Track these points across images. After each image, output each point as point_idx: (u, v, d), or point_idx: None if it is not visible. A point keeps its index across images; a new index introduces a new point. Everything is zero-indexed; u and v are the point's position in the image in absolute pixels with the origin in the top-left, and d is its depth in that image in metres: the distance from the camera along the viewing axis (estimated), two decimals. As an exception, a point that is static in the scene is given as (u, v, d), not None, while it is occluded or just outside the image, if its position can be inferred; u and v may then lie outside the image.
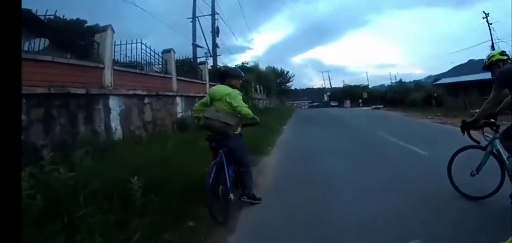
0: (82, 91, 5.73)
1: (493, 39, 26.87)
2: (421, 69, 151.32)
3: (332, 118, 21.47)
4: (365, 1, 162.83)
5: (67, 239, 2.56)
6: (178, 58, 11.69)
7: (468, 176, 3.56)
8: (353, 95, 58.03)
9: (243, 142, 3.95)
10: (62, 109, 5.29)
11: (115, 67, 7.06)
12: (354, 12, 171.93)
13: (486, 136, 3.49)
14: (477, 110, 3.59)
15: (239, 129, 3.88)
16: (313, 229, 3.19)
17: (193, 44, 21.08)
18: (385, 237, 2.92)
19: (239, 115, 3.69)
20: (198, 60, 17.48)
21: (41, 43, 5.62)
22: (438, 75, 42.61)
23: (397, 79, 56.35)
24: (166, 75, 9.91)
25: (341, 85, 71.66)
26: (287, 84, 55.29)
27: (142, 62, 8.79)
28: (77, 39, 6.79)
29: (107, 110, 6.50)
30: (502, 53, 3.47)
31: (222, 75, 4.18)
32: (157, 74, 9.51)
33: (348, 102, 55.84)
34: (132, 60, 8.46)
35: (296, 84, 70.40)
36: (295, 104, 61.99)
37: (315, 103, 66.30)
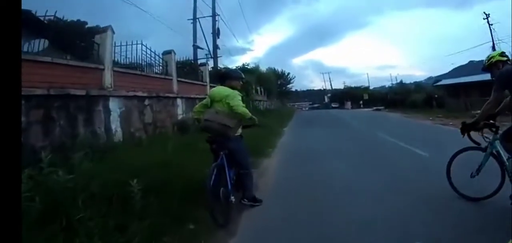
0: (82, 92, 5.71)
1: (493, 40, 26.85)
2: (421, 70, 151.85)
3: (333, 120, 21.44)
4: (365, 3, 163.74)
5: (65, 242, 2.52)
6: (178, 59, 11.67)
7: (468, 177, 3.57)
8: (354, 96, 58.05)
9: (244, 144, 3.91)
10: (61, 111, 5.26)
11: (115, 69, 7.03)
12: (354, 13, 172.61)
13: (486, 137, 3.50)
14: (478, 111, 3.60)
15: (239, 131, 3.84)
16: (314, 230, 3.17)
17: (193, 45, 21.09)
18: (386, 238, 2.90)
19: (241, 117, 3.65)
20: (199, 61, 17.49)
21: (40, 44, 5.60)
22: (438, 76, 42.70)
23: (398, 81, 56.38)
24: (167, 77, 9.88)
25: (342, 86, 71.95)
26: (288, 86, 55.26)
27: (143, 63, 8.77)
28: (78, 41, 6.77)
29: (107, 112, 6.47)
30: (502, 54, 3.49)
31: (222, 76, 4.16)
32: (158, 75, 9.48)
33: (349, 104, 55.87)
34: (133, 61, 8.43)
35: (296, 85, 70.61)
36: (295, 105, 61.94)
37: (316, 105, 66.39)
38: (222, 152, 3.59)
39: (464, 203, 3.53)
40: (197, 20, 21.64)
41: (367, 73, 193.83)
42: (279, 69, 51.67)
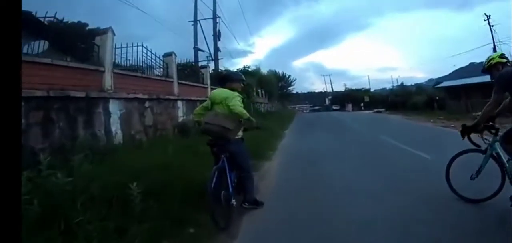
0: (81, 94, 5.68)
1: (494, 41, 26.82)
2: (422, 72, 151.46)
3: (334, 122, 21.40)
4: (366, 4, 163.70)
5: (64, 246, 2.50)
6: (179, 62, 11.65)
7: (468, 179, 3.57)
8: (354, 99, 58.11)
9: (245, 147, 3.88)
10: (61, 113, 5.22)
11: (116, 71, 7.01)
12: (355, 15, 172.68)
13: (485, 139, 3.51)
14: (479, 113, 3.60)
15: (240, 134, 3.81)
16: (316, 233, 3.15)
17: (194, 47, 21.08)
18: (386, 239, 2.90)
19: (238, 117, 3.61)
20: (200, 64, 17.46)
21: (40, 45, 5.58)
22: (439, 78, 42.60)
23: (399, 83, 56.29)
24: (167, 79, 9.86)
25: (342, 89, 71.94)
26: (289, 88, 55.26)
27: (143, 65, 8.75)
28: (78, 42, 6.75)
29: (107, 114, 6.43)
30: (502, 56, 3.48)
31: (223, 78, 4.14)
32: (158, 77, 9.46)
33: (349, 106, 55.93)
34: (133, 63, 8.40)
35: (297, 88, 70.52)
36: (296, 108, 61.94)
37: (317, 107, 66.43)
38: (223, 154, 3.56)
39: (465, 205, 3.53)
40: (198, 22, 21.65)
41: (368, 76, 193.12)
42: (280, 72, 51.81)
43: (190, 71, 13.15)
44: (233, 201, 3.49)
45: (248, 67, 33.54)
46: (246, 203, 3.78)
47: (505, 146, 3.30)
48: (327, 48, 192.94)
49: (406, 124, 17.83)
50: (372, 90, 65.27)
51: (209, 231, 3.18)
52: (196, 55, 20.81)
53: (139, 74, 8.29)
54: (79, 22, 8.01)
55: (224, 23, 23.29)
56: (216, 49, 22.06)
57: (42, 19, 6.10)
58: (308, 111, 60.75)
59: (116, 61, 7.66)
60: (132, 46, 8.20)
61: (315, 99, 78.02)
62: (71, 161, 4.17)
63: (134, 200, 3.21)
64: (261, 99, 29.78)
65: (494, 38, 26.92)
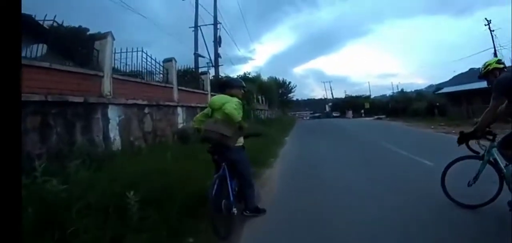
0: (80, 99, 5.60)
1: (495, 46, 26.85)
2: (422, 78, 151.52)
3: (334, 129, 21.29)
4: (366, 11, 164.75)
5: (58, 256, 2.41)
6: (180, 68, 11.60)
7: (465, 186, 3.57)
8: (355, 105, 58.16)
9: (246, 155, 3.82)
10: (59, 118, 5.14)
11: (115, 76, 6.94)
12: (355, 21, 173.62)
13: (482, 145, 3.52)
14: (480, 119, 3.57)
15: (241, 141, 3.75)
16: (318, 241, 3.12)
17: (195, 53, 21.06)
18: None
19: (232, 120, 3.52)
20: (200, 70, 17.41)
21: (38, 49, 5.51)
22: (439, 84, 42.63)
23: (399, 89, 56.25)
24: (167, 85, 9.80)
25: (343, 95, 72.00)
26: (289, 95, 55.30)
27: (143, 71, 8.67)
28: (79, 47, 6.68)
29: (106, 119, 6.35)
30: (498, 61, 3.52)
31: (223, 85, 4.11)
32: (158, 83, 9.39)
33: (350, 113, 55.95)
34: (133, 69, 8.32)
35: (297, 95, 70.15)
36: (296, 115, 61.85)
37: (317, 114, 66.42)
38: (224, 162, 3.51)
39: (464, 210, 3.54)
40: (198, 28, 21.66)
41: (369, 82, 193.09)
42: (280, 78, 51.90)
43: (190, 78, 13.08)
44: (234, 210, 3.42)
45: (249, 74, 33.66)
46: (247, 211, 3.72)
47: (503, 151, 3.31)
48: (327, 55, 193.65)
49: (407, 131, 17.70)
50: (372, 96, 65.30)
51: (209, 241, 3.11)
52: (196, 61, 20.76)
53: (138, 80, 8.22)
54: (80, 26, 7.93)
55: (224, 29, 23.29)
56: (217, 55, 22.02)
57: (41, 22, 6.03)
58: (308, 118, 60.70)
59: (116, 66, 7.59)
60: (132, 51, 8.11)
61: (315, 106, 77.95)
62: (68, 167, 4.10)
63: (131, 208, 3.12)
64: (261, 106, 29.75)
65: (494, 43, 26.99)
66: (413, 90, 50.84)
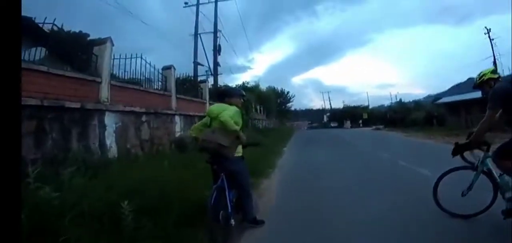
0: (77, 105, 5.53)
1: (495, 55, 27.08)
2: (420, 88, 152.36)
3: (333, 140, 21.25)
4: (366, 21, 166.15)
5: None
6: (179, 76, 11.58)
7: (459, 196, 3.57)
8: (353, 116, 58.31)
9: (245, 165, 3.76)
10: (55, 123, 5.06)
11: (113, 82, 6.89)
12: (355, 31, 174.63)
13: (476, 155, 3.54)
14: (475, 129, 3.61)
15: (240, 152, 3.69)
16: None
17: (194, 62, 21.06)
18: None
19: (226, 127, 3.45)
20: (199, 78, 17.39)
21: (37, 52, 5.45)
22: (438, 94, 42.78)
23: (397, 99, 56.37)
24: (165, 93, 9.75)
25: (341, 106, 71.96)
26: (287, 104, 55.42)
27: (142, 78, 8.63)
28: (79, 52, 6.62)
29: (103, 126, 6.28)
30: (493, 71, 3.53)
31: (222, 94, 4.07)
32: (156, 91, 9.35)
33: (348, 123, 56.09)
34: (132, 75, 8.28)
35: (296, 105, 70.61)
36: (294, 125, 61.81)
37: (315, 124, 66.41)
38: (222, 173, 3.44)
39: (461, 219, 3.56)
40: (198, 35, 21.71)
41: (367, 92, 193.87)
42: (279, 88, 52.07)
43: (189, 86, 13.05)
44: (232, 221, 3.34)
45: (247, 83, 33.74)
46: (245, 222, 3.64)
47: (498, 161, 3.30)
48: (326, 65, 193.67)
49: (407, 142, 17.62)
50: (370, 107, 65.40)
51: (206, 252, 3.01)
52: (195, 70, 20.75)
53: (136, 87, 8.17)
54: (80, 32, 7.89)
55: (224, 37, 23.28)
56: (216, 64, 22.06)
57: (41, 25, 5.98)
58: (306, 128, 60.67)
59: (114, 72, 7.54)
60: (131, 58, 8.08)
61: (313, 116, 77.86)
62: (63, 174, 4.00)
63: (125, 218, 3.04)
64: (259, 115, 29.74)
65: (494, 52, 27.22)
66: (411, 100, 50.99)
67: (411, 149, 13.26)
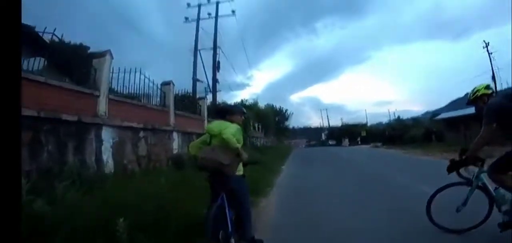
0: (74, 118, 5.46)
1: (493, 69, 27.39)
2: (418, 105, 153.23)
3: (331, 158, 21.08)
4: (365, 38, 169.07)
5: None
6: (177, 92, 11.55)
7: (453, 211, 3.61)
8: (351, 133, 58.37)
9: (246, 184, 3.66)
10: (51, 135, 4.99)
11: (111, 96, 6.85)
12: (354, 48, 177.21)
13: (470, 171, 3.58)
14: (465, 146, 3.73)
15: (241, 170, 3.58)
16: None
17: (193, 78, 21.13)
18: None
19: (228, 145, 3.37)
20: (198, 95, 17.39)
21: (36, 62, 5.41)
22: (436, 110, 43.14)
23: (395, 116, 56.59)
24: (164, 109, 9.70)
25: (339, 124, 72.12)
26: (285, 122, 55.48)
27: (140, 93, 8.58)
28: (78, 65, 6.59)
29: (99, 141, 6.19)
30: (487, 87, 3.57)
31: (222, 111, 3.98)
32: (155, 107, 9.30)
33: (346, 141, 56.04)
34: (130, 90, 8.23)
35: (294, 122, 70.41)
36: (292, 143, 61.70)
37: (313, 143, 66.31)
38: (222, 191, 3.32)
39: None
40: (198, 51, 21.89)
41: (365, 110, 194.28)
42: (277, 106, 52.26)
43: (187, 102, 13.02)
44: (232, 241, 3.22)
45: (246, 101, 33.80)
46: (243, 242, 3.49)
47: (494, 176, 3.33)
48: (325, 82, 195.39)
49: (407, 159, 17.42)
50: (369, 124, 65.50)
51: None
52: (194, 86, 20.79)
53: (135, 102, 8.13)
54: (80, 44, 7.90)
55: (223, 54, 23.50)
56: (215, 80, 22.15)
57: (40, 34, 5.97)
58: (304, 146, 60.56)
59: (113, 86, 7.50)
60: (130, 72, 8.04)
61: (311, 134, 77.71)
62: (57, 187, 3.90)
63: (120, 236, 2.95)
64: (257, 133, 29.67)
65: (493, 65, 27.55)
66: (409, 117, 51.28)
67: (410, 166, 13.15)
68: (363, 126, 62.28)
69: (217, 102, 20.17)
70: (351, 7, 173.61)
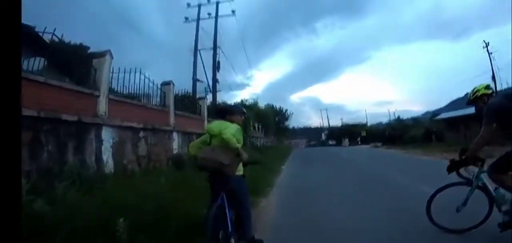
0: (74, 118, 5.46)
1: (493, 69, 27.35)
2: (418, 105, 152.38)
3: (331, 157, 21.06)
4: (365, 38, 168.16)
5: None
6: (177, 92, 11.54)
7: (453, 211, 3.61)
8: (351, 133, 58.32)
9: (246, 184, 3.65)
10: (51, 135, 4.98)
11: (111, 96, 6.85)
12: (354, 48, 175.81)
13: (470, 171, 3.59)
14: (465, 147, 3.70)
15: (241, 170, 3.58)
16: None
17: (193, 78, 21.09)
18: None
19: (228, 145, 3.36)
20: (198, 95, 17.37)
21: (36, 62, 5.40)
22: (436, 110, 43.10)
23: (395, 116, 56.54)
24: (164, 109, 9.69)
25: (339, 124, 72.04)
26: (285, 122, 55.44)
27: (140, 93, 8.58)
28: (78, 65, 6.59)
29: (99, 141, 6.19)
30: (487, 87, 3.57)
31: (223, 111, 3.97)
32: (155, 107, 9.30)
33: (346, 141, 56.00)
34: (130, 90, 8.23)
35: (294, 122, 70.30)
36: (292, 143, 61.69)
37: (313, 143, 66.25)
38: (223, 191, 3.31)
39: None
40: (198, 51, 21.86)
41: (365, 110, 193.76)
42: (277, 106, 52.22)
43: (187, 102, 13.00)
44: (232, 241, 3.22)
45: (246, 101, 33.76)
46: (243, 241, 3.48)
47: (494, 176, 3.34)
48: (325, 82, 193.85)
49: (404, 158, 17.55)
50: (369, 124, 65.43)
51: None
52: (194, 86, 20.76)
53: (135, 102, 8.12)
54: (80, 44, 7.89)
55: (224, 54, 23.46)
56: (215, 80, 22.12)
57: (40, 34, 5.96)
58: (304, 146, 60.52)
59: (113, 86, 7.50)
60: (130, 72, 8.03)
61: (311, 134, 77.52)
62: (57, 187, 3.90)
63: (120, 236, 2.95)
64: (257, 133, 29.65)
65: (493, 65, 27.52)
66: (409, 117, 51.24)
67: (411, 166, 13.14)
68: (363, 126, 62.22)
69: (217, 103, 20.13)
70: (351, 7, 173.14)
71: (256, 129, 29.62)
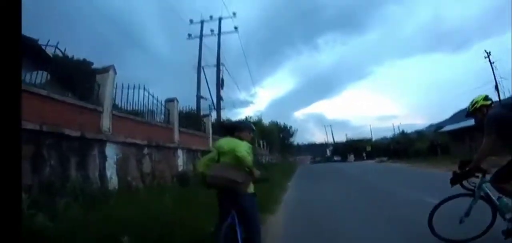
0: (76, 133, 5.39)
1: (496, 78, 27.16)
2: (422, 118, 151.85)
3: (337, 174, 20.72)
4: (366, 53, 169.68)
5: None
6: (181, 109, 11.50)
7: (456, 223, 3.58)
8: (356, 149, 57.94)
9: (256, 202, 3.53)
10: (53, 150, 4.90)
11: (115, 112, 6.80)
12: (355, 64, 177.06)
13: (471, 182, 3.57)
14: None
15: (252, 187, 3.48)
16: None
17: (197, 95, 21.10)
18: None
19: (243, 164, 3.28)
20: (202, 112, 17.34)
21: (38, 76, 5.38)
22: (440, 123, 42.72)
23: (400, 130, 56.07)
24: (168, 126, 9.63)
25: (344, 139, 71.53)
26: (290, 139, 55.21)
27: (144, 109, 8.53)
28: (82, 80, 6.58)
29: (103, 157, 6.10)
30: (486, 98, 3.55)
31: (231, 127, 3.94)
32: (159, 124, 9.24)
33: (351, 157, 55.59)
34: (134, 106, 8.17)
35: (298, 139, 70.03)
36: (297, 159, 61.18)
37: (317, 159, 65.75)
38: (233, 209, 3.22)
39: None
40: (202, 68, 21.94)
41: (370, 125, 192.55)
42: (281, 123, 52.16)
43: (192, 119, 12.95)
44: None
45: (250, 118, 33.73)
46: None
47: (496, 185, 3.37)
48: (328, 99, 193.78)
49: (411, 172, 17.22)
50: (373, 139, 64.93)
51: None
52: (198, 103, 20.74)
53: (139, 119, 8.07)
54: (84, 59, 7.92)
55: (227, 71, 23.52)
56: (219, 98, 22.10)
57: (43, 47, 5.98)
58: (309, 162, 59.99)
59: (116, 102, 7.46)
60: (134, 89, 7.99)
61: (316, 150, 76.85)
62: (59, 203, 3.78)
63: None
64: (262, 150, 29.45)
65: (495, 75, 27.32)
66: (413, 130, 50.72)
67: (418, 180, 12.83)
68: (367, 141, 61.86)
69: (222, 120, 20.06)
70: (352, 23, 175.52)
71: (261, 146, 29.45)
